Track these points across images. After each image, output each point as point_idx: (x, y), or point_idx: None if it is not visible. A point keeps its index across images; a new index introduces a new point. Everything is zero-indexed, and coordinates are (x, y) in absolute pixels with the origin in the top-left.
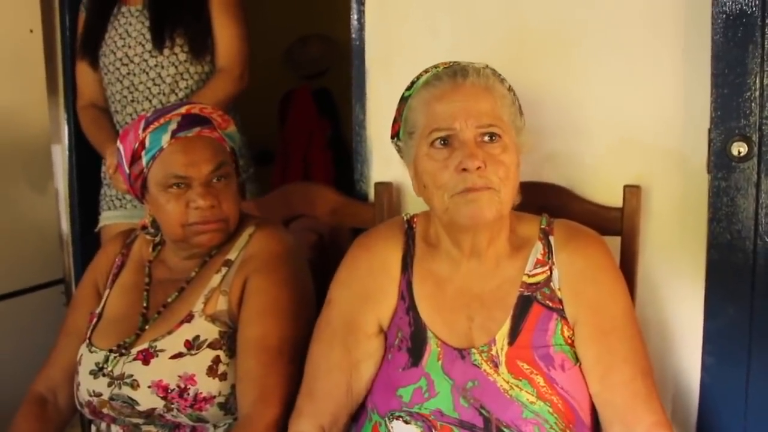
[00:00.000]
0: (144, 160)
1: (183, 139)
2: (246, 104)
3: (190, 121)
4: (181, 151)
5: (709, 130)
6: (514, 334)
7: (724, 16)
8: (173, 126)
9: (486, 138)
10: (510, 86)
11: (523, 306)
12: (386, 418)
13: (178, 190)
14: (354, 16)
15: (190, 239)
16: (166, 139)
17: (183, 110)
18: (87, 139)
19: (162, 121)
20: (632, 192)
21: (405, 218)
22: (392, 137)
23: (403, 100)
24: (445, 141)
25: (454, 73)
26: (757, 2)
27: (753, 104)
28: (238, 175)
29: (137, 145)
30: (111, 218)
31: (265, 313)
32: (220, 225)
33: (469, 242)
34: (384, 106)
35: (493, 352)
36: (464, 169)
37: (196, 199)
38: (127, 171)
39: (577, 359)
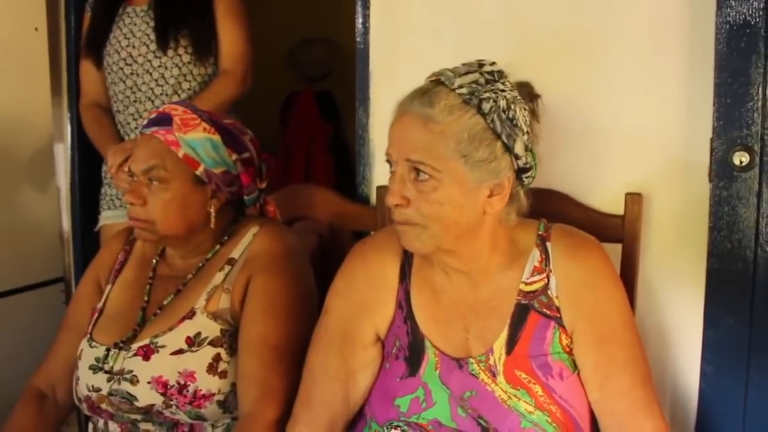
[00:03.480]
0: None
1: (142, 135)
2: (248, 106)
3: (155, 120)
4: (136, 147)
5: (711, 140)
6: (511, 343)
7: (728, 26)
8: (144, 122)
9: (413, 175)
10: (492, 108)
11: (521, 314)
12: (384, 427)
13: (131, 184)
14: (359, 20)
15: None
16: (137, 134)
17: (162, 109)
18: (89, 138)
19: (147, 116)
20: (634, 199)
21: None
22: None
23: None
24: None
25: (411, 97)
26: (760, 13)
27: (755, 114)
28: (214, 182)
29: None
30: (111, 217)
31: (267, 312)
32: (145, 224)
33: (439, 261)
34: (387, 110)
35: (491, 362)
36: None
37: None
38: None
39: (575, 367)
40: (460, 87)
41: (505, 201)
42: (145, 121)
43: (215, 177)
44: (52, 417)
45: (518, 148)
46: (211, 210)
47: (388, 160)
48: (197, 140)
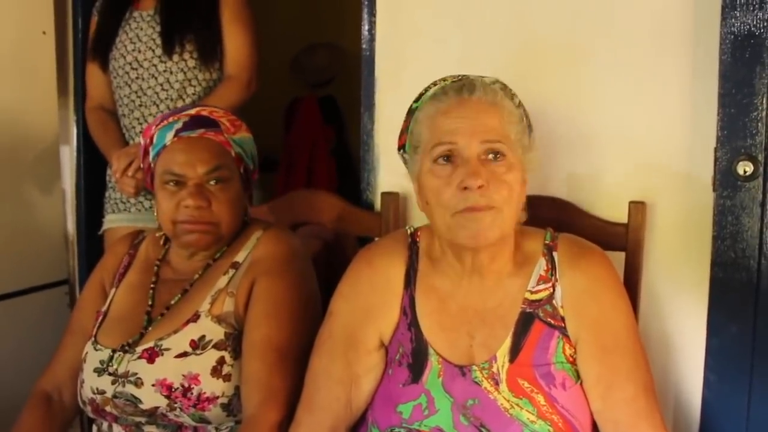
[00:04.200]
0: (150, 155)
1: (185, 138)
2: (251, 111)
3: (196, 122)
4: (180, 150)
5: (716, 149)
6: (515, 352)
7: (732, 36)
8: (179, 125)
9: (490, 156)
10: (520, 102)
11: (525, 323)
12: None
13: (173, 187)
14: (365, 27)
15: (180, 237)
16: (169, 136)
17: (193, 111)
18: (94, 141)
19: (171, 119)
20: (637, 208)
21: (409, 232)
22: (399, 149)
23: (411, 112)
24: (448, 158)
25: (460, 87)
26: (765, 23)
27: (759, 124)
28: (247, 181)
29: (148, 140)
30: (115, 221)
31: (271, 315)
32: (209, 227)
33: (470, 259)
34: (392, 115)
35: (494, 370)
36: (466, 188)
37: (186, 198)
38: (142, 165)
39: (578, 377)
40: (492, 83)
41: (525, 196)
42: (180, 124)
43: (249, 174)
44: (59, 419)
45: (533, 146)
46: (248, 206)
47: (443, 155)
48: (244, 140)
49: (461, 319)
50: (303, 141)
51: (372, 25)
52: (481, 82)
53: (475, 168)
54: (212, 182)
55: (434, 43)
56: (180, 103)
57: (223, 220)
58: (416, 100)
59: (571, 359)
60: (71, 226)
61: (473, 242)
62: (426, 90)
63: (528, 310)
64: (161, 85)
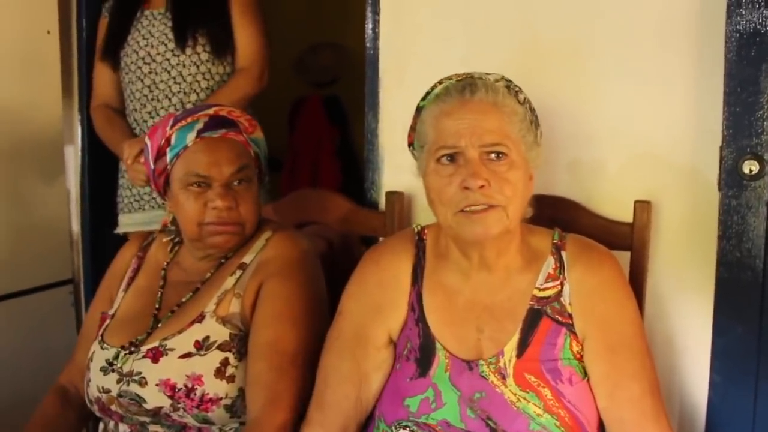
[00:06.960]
0: (168, 157)
1: (208, 139)
2: (256, 111)
3: (216, 122)
4: (204, 151)
5: (721, 148)
6: (522, 347)
7: (738, 34)
8: (199, 125)
9: (492, 156)
10: (525, 98)
11: (533, 319)
12: (393, 427)
13: (198, 189)
14: (368, 25)
15: (206, 239)
16: (191, 137)
17: (211, 111)
18: (100, 140)
19: (189, 119)
20: (643, 207)
21: (416, 230)
22: (409, 146)
23: (418, 110)
24: (452, 157)
25: (463, 88)
26: None
27: (765, 123)
28: (261, 180)
29: (163, 141)
30: (130, 226)
31: (278, 317)
32: (236, 228)
33: (477, 255)
34: (396, 114)
35: (501, 364)
36: (467, 187)
37: (214, 199)
38: (152, 166)
39: (585, 374)
40: (496, 81)
41: (532, 191)
42: (201, 125)
43: (262, 174)
44: (77, 408)
45: (540, 141)
46: (262, 205)
47: (446, 154)
48: (259, 140)
49: (470, 314)
50: (308, 141)
51: (376, 23)
52: (484, 82)
53: (476, 168)
54: (237, 182)
55: (438, 42)
56: (193, 97)
57: (249, 220)
58: (423, 98)
59: (578, 356)
60: (76, 225)
61: (477, 238)
62: (433, 88)
63: (536, 307)
64: (174, 78)
